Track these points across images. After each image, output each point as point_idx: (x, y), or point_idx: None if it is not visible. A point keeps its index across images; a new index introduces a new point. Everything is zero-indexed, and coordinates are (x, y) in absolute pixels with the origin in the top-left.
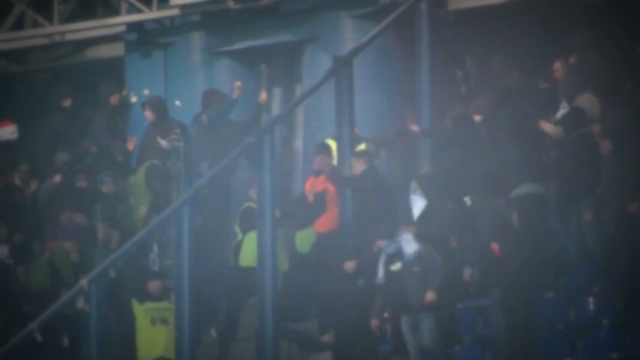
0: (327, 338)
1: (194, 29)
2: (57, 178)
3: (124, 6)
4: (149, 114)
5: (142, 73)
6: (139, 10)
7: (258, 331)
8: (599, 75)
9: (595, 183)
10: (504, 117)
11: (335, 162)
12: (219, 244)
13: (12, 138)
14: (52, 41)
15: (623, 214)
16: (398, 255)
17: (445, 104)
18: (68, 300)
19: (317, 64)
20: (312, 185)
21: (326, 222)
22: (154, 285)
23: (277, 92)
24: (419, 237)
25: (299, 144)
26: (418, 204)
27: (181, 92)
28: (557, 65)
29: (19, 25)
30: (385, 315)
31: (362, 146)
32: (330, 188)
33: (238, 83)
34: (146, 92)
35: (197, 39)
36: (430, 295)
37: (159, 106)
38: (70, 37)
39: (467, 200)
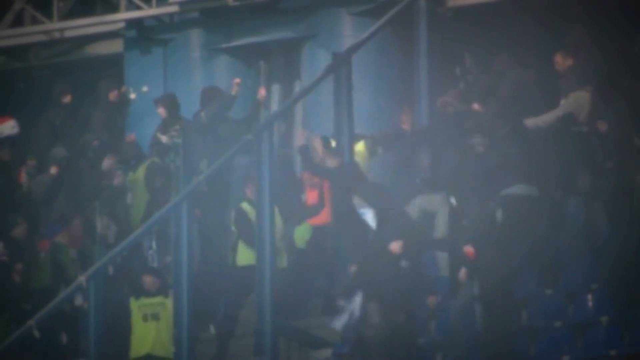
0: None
1: (193, 25)
2: (53, 170)
3: (123, 3)
4: (162, 111)
5: (141, 70)
6: (138, 7)
7: (256, 328)
8: (597, 71)
9: (590, 179)
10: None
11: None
12: (218, 242)
13: (14, 133)
14: (51, 38)
15: (618, 211)
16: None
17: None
18: (66, 297)
19: (315, 60)
20: (309, 180)
21: (321, 216)
22: (148, 281)
23: (276, 88)
24: None
25: (297, 141)
26: (369, 216)
27: (180, 88)
28: (558, 58)
29: (18, 22)
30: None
31: (360, 144)
32: (326, 183)
33: (237, 80)
34: (145, 88)
35: (196, 35)
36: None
37: (172, 103)
38: (69, 33)
39: (453, 200)
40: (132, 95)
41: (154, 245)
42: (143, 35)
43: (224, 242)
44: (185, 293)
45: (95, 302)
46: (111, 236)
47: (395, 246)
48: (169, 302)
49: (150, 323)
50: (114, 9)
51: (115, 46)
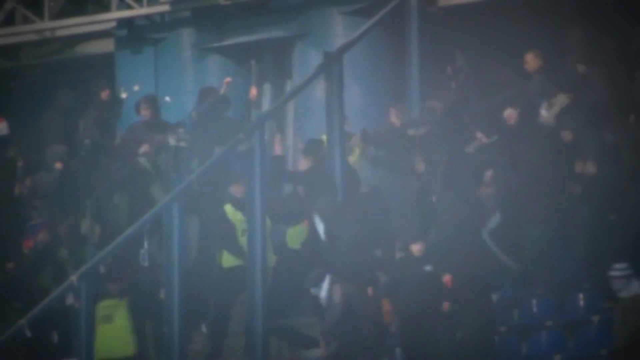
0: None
1: (184, 25)
2: (58, 165)
3: (114, 2)
4: (145, 112)
5: (133, 69)
6: (129, 7)
7: (247, 327)
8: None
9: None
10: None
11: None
12: (210, 242)
13: (3, 134)
14: (42, 37)
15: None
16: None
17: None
18: (58, 296)
19: (307, 60)
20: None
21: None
22: (110, 284)
23: (267, 88)
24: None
25: (289, 141)
26: (320, 228)
27: (171, 88)
28: (529, 57)
29: (9, 21)
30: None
31: (352, 142)
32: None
33: (227, 79)
34: (136, 88)
35: (187, 35)
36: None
37: (155, 104)
38: (60, 33)
39: (434, 198)
40: (124, 95)
41: (145, 245)
42: (134, 34)
43: (215, 243)
44: (176, 292)
45: (86, 301)
46: (95, 237)
47: (415, 248)
48: (123, 304)
49: (102, 326)
50: (105, 8)
51: (106, 45)
